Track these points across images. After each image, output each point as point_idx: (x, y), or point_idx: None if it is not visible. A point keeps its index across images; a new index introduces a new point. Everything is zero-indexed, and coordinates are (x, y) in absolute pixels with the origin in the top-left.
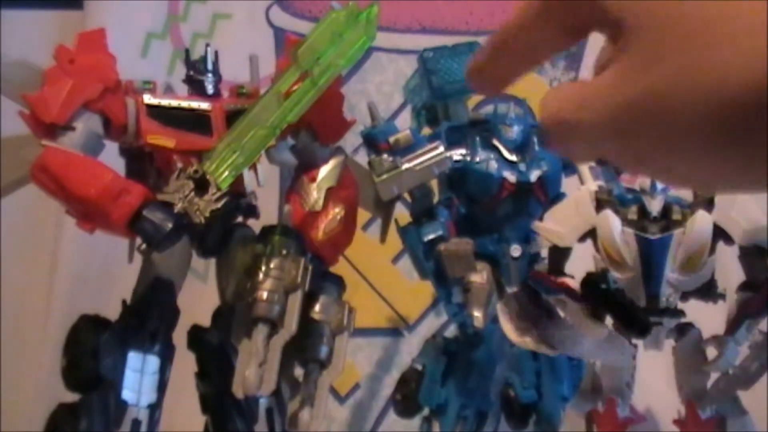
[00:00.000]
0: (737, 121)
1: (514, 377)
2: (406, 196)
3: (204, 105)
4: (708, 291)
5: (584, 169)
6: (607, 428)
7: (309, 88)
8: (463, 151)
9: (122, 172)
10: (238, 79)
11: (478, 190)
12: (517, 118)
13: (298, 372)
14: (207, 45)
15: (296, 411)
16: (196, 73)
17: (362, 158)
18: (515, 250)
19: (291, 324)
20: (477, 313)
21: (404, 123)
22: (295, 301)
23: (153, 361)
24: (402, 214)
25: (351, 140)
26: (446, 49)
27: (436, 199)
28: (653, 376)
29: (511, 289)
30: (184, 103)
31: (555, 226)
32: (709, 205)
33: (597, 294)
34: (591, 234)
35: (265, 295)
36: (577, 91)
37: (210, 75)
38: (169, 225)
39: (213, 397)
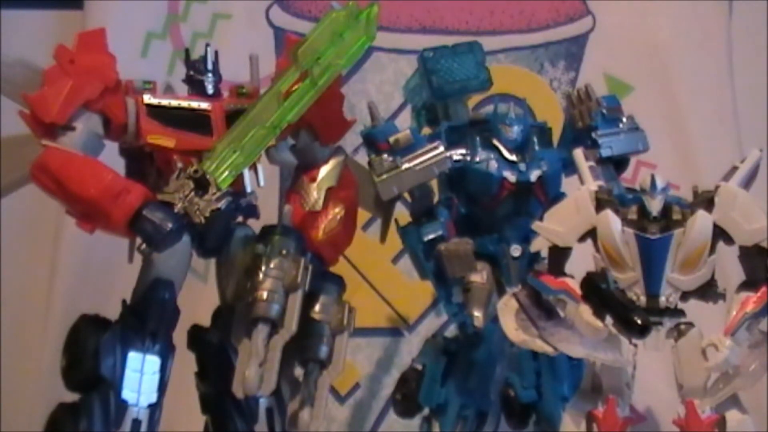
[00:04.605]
0: None
1: (514, 377)
2: (406, 196)
3: (204, 105)
4: (708, 291)
5: (584, 169)
6: (607, 428)
7: (309, 88)
8: (463, 151)
9: (122, 172)
10: (238, 79)
11: (479, 189)
12: (517, 118)
13: (298, 372)
14: (207, 45)
15: (296, 411)
16: (196, 73)
17: (362, 158)
18: (515, 250)
19: (291, 324)
20: (477, 313)
21: (404, 123)
22: (295, 300)
23: (153, 361)
24: (402, 214)
25: (351, 140)
26: (446, 49)
27: (436, 199)
28: (653, 376)
29: (511, 289)
30: (184, 103)
31: (555, 226)
32: (709, 205)
33: (597, 294)
34: (591, 234)
35: (265, 294)
36: None
37: (210, 75)
38: (169, 225)
39: (213, 397)
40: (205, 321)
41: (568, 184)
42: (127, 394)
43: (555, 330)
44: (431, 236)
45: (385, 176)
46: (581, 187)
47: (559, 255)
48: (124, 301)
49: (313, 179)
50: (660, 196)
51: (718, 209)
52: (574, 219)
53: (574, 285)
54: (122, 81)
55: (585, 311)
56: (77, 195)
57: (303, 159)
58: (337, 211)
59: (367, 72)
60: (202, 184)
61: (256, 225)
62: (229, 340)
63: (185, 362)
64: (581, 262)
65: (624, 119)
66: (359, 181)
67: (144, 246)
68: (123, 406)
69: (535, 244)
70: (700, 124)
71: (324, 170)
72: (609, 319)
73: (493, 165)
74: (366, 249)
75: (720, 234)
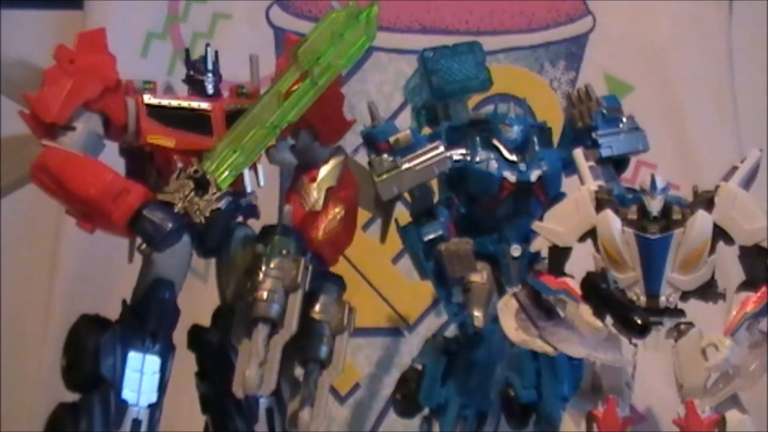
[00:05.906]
0: None
1: (514, 377)
2: (406, 196)
3: (204, 105)
4: (708, 291)
5: (584, 169)
6: (607, 428)
7: (309, 88)
8: (463, 150)
9: (122, 172)
10: (238, 79)
11: (479, 189)
12: (517, 117)
13: (298, 372)
14: (207, 45)
15: (296, 411)
16: (197, 73)
17: (362, 158)
18: (515, 250)
19: (291, 324)
20: (477, 313)
21: (404, 123)
22: (295, 300)
23: (153, 361)
24: (402, 214)
25: (351, 140)
26: (446, 49)
27: (436, 199)
28: (653, 376)
29: (511, 289)
30: (185, 103)
31: (555, 226)
32: (709, 205)
33: (597, 294)
34: (591, 234)
35: (265, 294)
36: None
37: (210, 75)
38: (169, 225)
39: (213, 397)
40: (205, 321)
41: (568, 184)
42: (127, 394)
43: (555, 330)
44: (431, 236)
45: (385, 176)
46: (581, 187)
47: (559, 255)
48: (124, 301)
49: (313, 179)
50: (660, 196)
51: (718, 209)
52: (574, 219)
53: (574, 285)
54: (122, 81)
55: (585, 311)
56: (77, 195)
57: (303, 159)
58: (337, 211)
59: (367, 72)
60: (202, 184)
61: (256, 225)
62: (229, 340)
63: (185, 362)
64: (581, 262)
65: (624, 119)
66: (359, 181)
67: (144, 246)
68: (123, 406)
69: (535, 244)
70: (700, 124)
71: (324, 170)
72: (609, 319)
73: (493, 165)
74: (366, 249)
75: (720, 234)
